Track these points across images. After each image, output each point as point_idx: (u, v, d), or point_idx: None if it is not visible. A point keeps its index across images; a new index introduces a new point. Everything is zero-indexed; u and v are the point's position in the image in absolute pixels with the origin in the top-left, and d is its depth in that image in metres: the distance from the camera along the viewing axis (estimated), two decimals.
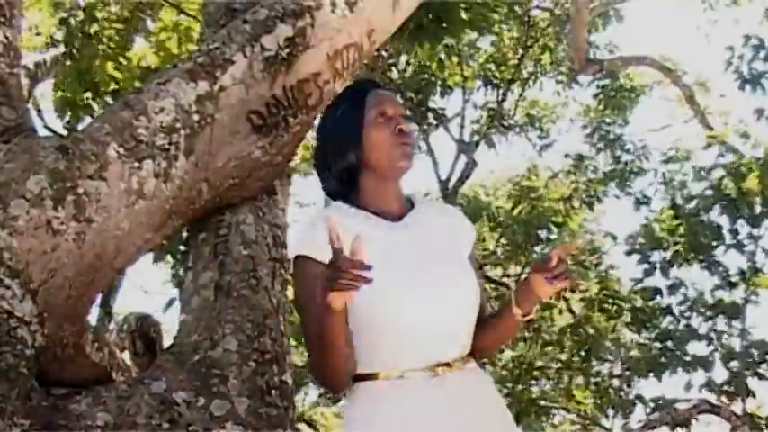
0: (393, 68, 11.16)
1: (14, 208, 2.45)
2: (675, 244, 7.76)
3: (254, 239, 2.90)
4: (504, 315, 2.38)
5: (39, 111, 8.76)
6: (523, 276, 2.22)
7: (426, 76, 11.19)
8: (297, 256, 2.26)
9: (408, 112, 2.44)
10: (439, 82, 11.34)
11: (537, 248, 11.88)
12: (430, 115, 11.69)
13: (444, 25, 6.72)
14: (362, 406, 2.24)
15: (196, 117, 2.69)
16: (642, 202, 12.91)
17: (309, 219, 2.39)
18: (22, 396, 2.35)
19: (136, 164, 2.61)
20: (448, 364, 2.24)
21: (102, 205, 2.55)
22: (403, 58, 10.96)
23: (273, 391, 2.76)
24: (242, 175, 2.79)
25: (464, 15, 6.86)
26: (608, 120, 14.04)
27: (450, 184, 12.36)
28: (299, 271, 2.25)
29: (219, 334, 2.74)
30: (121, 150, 2.60)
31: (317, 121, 2.77)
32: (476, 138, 12.72)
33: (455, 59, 10.29)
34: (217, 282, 2.81)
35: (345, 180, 2.38)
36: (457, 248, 2.42)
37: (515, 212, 11.76)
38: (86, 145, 2.60)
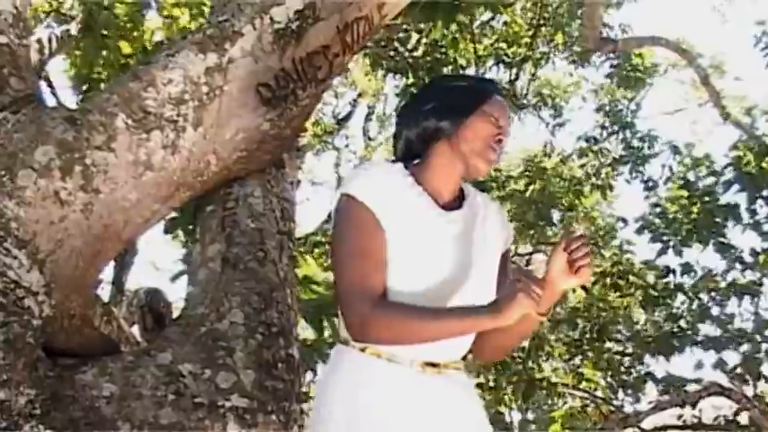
0: (404, 46, 11.10)
1: (22, 178, 2.45)
2: (688, 223, 7.72)
3: (262, 212, 2.90)
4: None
5: (51, 87, 8.70)
6: (540, 274, 2.19)
7: (438, 54, 11.13)
8: (344, 195, 2.25)
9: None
10: (451, 60, 11.28)
11: (548, 229, 11.85)
12: None
13: (456, 2, 6.67)
14: (349, 375, 2.22)
15: (205, 89, 2.68)
16: (650, 187, 12.86)
17: (367, 164, 2.36)
18: (28, 366, 2.35)
19: (144, 135, 2.60)
20: (435, 365, 2.25)
21: (109, 176, 2.55)
22: (414, 36, 10.90)
23: (279, 365, 2.76)
24: (250, 147, 2.78)
25: None
26: (620, 103, 13.95)
27: None
28: (346, 208, 2.23)
29: (226, 306, 2.74)
30: (130, 121, 2.60)
31: (326, 95, 2.75)
32: None
33: (468, 37, 10.24)
34: (224, 254, 2.81)
35: (421, 138, 2.37)
36: (494, 252, 2.41)
37: (528, 192, 11.75)
38: (95, 116, 2.59)
